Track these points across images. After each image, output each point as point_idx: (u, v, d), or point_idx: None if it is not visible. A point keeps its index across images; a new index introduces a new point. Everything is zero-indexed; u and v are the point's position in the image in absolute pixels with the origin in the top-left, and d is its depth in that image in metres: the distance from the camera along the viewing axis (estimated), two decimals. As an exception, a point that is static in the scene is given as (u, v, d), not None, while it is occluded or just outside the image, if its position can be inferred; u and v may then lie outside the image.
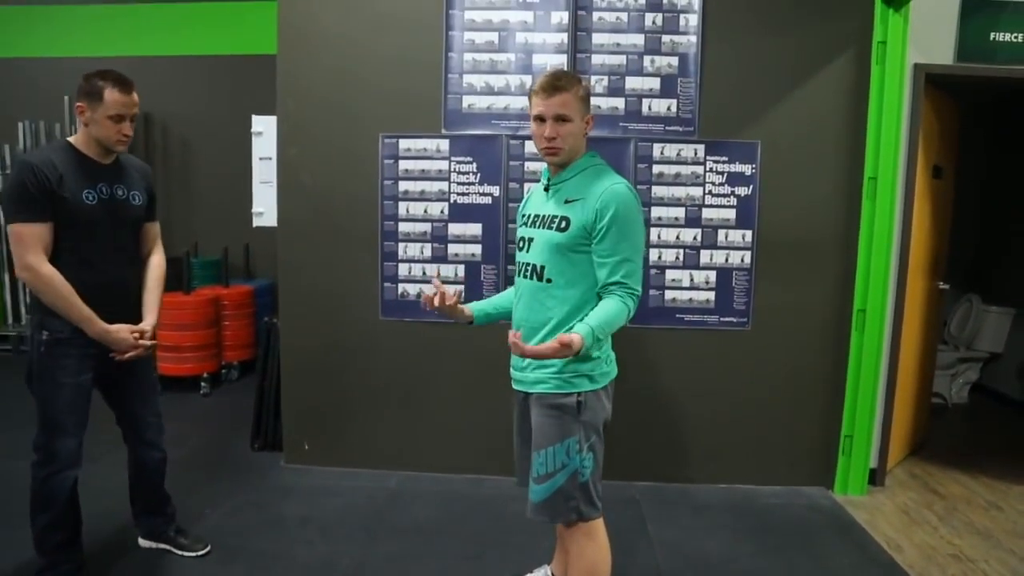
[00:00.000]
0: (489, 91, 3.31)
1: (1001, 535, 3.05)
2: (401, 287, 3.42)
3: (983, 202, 5.39)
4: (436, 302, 1.98)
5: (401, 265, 3.41)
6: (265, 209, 3.48)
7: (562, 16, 3.26)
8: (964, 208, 4.68)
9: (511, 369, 2.07)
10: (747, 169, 3.29)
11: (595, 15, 3.25)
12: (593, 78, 3.28)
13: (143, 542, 2.63)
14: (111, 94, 2.16)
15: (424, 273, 3.41)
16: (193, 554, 2.58)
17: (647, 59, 3.26)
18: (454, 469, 3.49)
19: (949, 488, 3.55)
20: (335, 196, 3.38)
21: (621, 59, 3.27)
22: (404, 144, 3.34)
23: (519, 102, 3.30)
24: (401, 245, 3.40)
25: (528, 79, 3.29)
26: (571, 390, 1.90)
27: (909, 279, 3.43)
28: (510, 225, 3.37)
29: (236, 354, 5.15)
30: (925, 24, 3.22)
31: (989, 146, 5.38)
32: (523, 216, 2.09)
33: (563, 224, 1.89)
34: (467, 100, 3.32)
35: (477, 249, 3.40)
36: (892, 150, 3.20)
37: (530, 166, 3.34)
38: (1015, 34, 3.26)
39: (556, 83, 1.88)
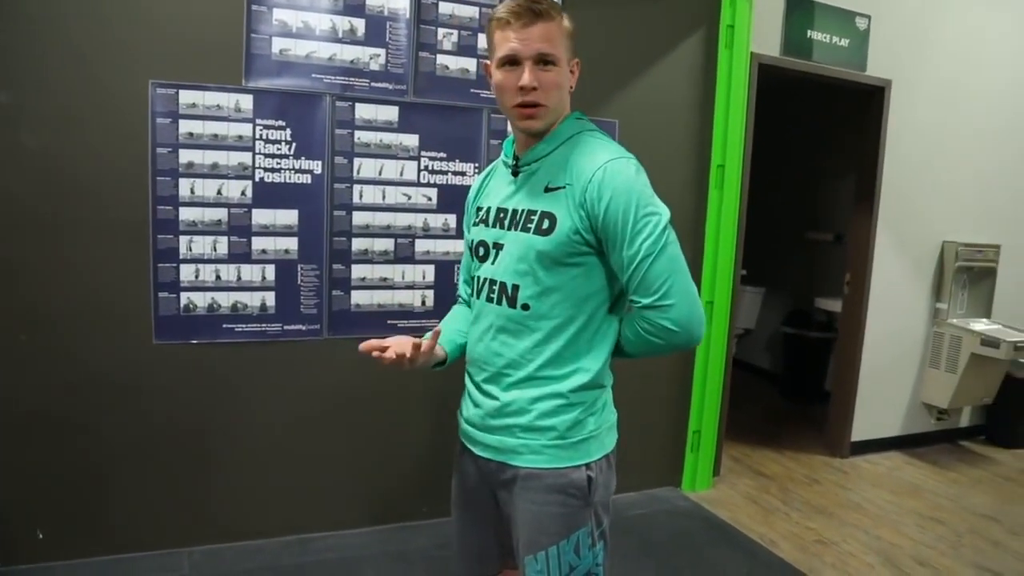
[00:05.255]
0: (309, 34, 2.51)
1: (835, 509, 3.22)
2: (184, 297, 2.47)
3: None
4: (409, 355, 1.27)
5: (184, 267, 2.46)
6: (-50, 185, 2.23)
7: (403, -51, 2.60)
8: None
9: (462, 420, 1.44)
10: (606, 152, 2.98)
11: (442, -46, 2.65)
12: (440, 32, 2.68)
13: None
14: None
15: (218, 277, 2.50)
16: None
17: (502, 16, 2.75)
18: (267, 532, 2.66)
19: (770, 468, 3.70)
20: (79, 167, 2.28)
21: (474, 11, 2.71)
22: (188, 97, 2.38)
23: (349, 52, 2.56)
24: (184, 239, 2.44)
25: (361, 24, 2.57)
26: (579, 461, 1.31)
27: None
28: (335, 212, 2.63)
29: None
30: (758, 13, 3.21)
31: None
32: (479, 210, 1.45)
33: (546, 224, 1.29)
34: (279, 43, 2.48)
35: (292, 244, 2.59)
36: (738, 137, 3.15)
37: (363, 136, 2.62)
38: (825, 34, 3.43)
39: (536, 6, 1.26)
